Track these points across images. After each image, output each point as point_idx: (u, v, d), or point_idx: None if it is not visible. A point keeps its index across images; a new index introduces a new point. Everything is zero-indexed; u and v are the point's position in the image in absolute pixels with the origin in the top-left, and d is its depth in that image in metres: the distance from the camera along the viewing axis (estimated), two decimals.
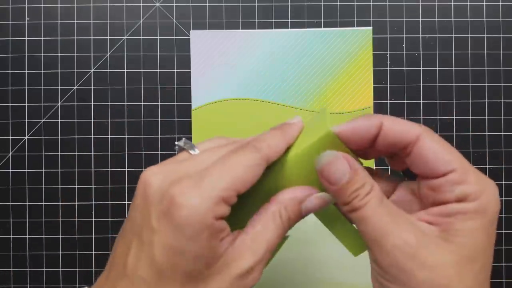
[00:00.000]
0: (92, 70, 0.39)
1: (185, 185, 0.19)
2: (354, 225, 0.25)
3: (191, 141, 0.23)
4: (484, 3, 0.39)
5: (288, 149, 0.23)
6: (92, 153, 0.39)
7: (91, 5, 0.39)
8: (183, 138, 0.24)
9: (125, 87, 0.39)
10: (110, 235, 0.39)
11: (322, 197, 0.23)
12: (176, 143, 0.23)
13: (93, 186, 0.39)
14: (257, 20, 0.39)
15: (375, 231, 0.20)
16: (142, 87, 0.39)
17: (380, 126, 0.21)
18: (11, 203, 0.39)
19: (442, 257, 0.19)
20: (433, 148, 0.20)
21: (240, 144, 0.22)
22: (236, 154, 0.21)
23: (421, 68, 0.39)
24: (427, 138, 0.20)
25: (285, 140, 0.23)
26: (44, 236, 0.37)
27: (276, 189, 0.23)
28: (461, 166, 0.20)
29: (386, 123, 0.21)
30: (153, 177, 0.20)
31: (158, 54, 0.39)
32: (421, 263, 0.19)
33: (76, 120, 0.39)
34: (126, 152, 0.39)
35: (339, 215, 0.25)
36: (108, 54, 0.39)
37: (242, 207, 0.22)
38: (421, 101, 0.39)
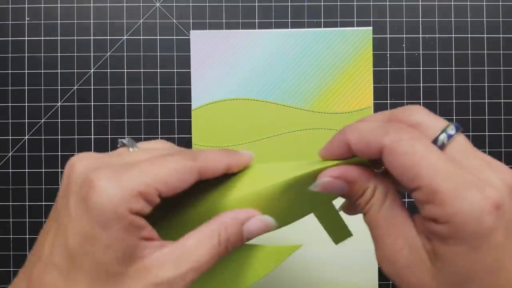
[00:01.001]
0: (92, 70, 0.39)
1: (105, 172, 0.19)
2: (340, 213, 0.26)
3: (135, 141, 0.23)
4: (484, 3, 0.39)
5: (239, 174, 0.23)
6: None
7: (91, 5, 0.39)
8: (128, 137, 0.23)
9: (125, 87, 0.39)
10: None
11: (264, 220, 0.22)
12: (119, 139, 0.23)
13: None
14: (257, 20, 0.39)
15: (373, 236, 0.20)
16: (142, 87, 0.39)
17: (347, 144, 0.20)
18: (11, 203, 0.39)
19: (423, 281, 0.18)
20: (396, 162, 0.18)
21: (179, 151, 0.22)
22: (168, 156, 0.20)
23: (421, 68, 0.39)
24: (391, 151, 0.18)
25: (227, 161, 0.22)
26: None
27: (218, 209, 0.22)
28: (428, 183, 0.17)
29: (351, 139, 0.20)
30: (79, 162, 0.20)
31: (158, 54, 0.39)
32: (404, 283, 0.19)
33: (76, 120, 0.39)
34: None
35: (327, 202, 0.25)
36: (108, 54, 0.39)
37: (180, 220, 0.22)
38: (421, 101, 0.39)
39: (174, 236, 0.21)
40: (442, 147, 0.19)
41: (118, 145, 0.23)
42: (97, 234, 0.18)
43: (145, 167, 0.19)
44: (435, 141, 0.19)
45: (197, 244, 0.20)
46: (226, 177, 0.23)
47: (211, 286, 0.23)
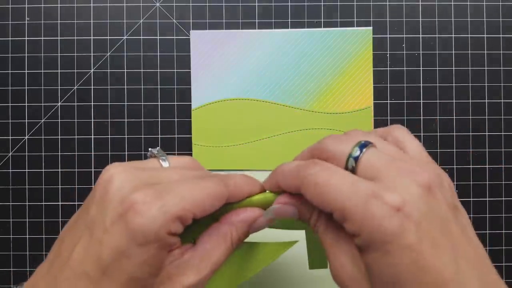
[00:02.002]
0: (92, 70, 0.39)
1: (147, 194, 0.20)
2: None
3: (165, 153, 0.24)
4: (484, 3, 0.39)
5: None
6: (92, 153, 0.39)
7: (91, 5, 0.39)
8: (159, 148, 0.24)
9: (125, 87, 0.39)
10: None
11: (268, 218, 0.24)
12: (150, 149, 0.24)
13: (93, 186, 0.39)
14: (257, 20, 0.39)
15: (325, 253, 0.22)
16: (142, 87, 0.39)
17: (277, 184, 0.23)
18: (11, 203, 0.39)
19: None
20: (310, 194, 0.20)
21: (209, 174, 0.23)
22: (203, 180, 0.22)
23: (421, 68, 0.39)
24: (304, 186, 0.20)
25: (250, 188, 0.24)
26: (44, 236, 0.37)
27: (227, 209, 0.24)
28: (337, 205, 0.19)
29: (279, 180, 0.23)
30: (117, 175, 0.21)
31: (158, 54, 0.39)
32: None
33: (76, 120, 0.39)
34: (126, 152, 0.39)
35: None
36: (108, 54, 0.39)
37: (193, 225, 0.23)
38: (421, 101, 0.39)
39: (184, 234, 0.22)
40: (354, 169, 0.20)
41: (148, 154, 0.23)
42: (135, 253, 0.19)
43: (183, 191, 0.20)
44: (346, 168, 0.21)
45: (214, 247, 0.22)
46: None
47: (211, 281, 0.25)
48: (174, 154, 0.39)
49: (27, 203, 0.39)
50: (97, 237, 0.19)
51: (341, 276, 0.20)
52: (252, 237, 0.25)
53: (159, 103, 0.39)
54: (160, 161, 0.23)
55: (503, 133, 0.39)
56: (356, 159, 0.20)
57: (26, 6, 0.39)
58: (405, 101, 0.39)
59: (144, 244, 0.19)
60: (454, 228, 0.19)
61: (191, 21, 0.39)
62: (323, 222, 0.22)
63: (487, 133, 0.39)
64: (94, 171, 0.39)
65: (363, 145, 0.21)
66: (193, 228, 0.22)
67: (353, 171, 0.20)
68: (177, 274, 0.20)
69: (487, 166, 0.39)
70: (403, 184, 0.18)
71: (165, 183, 0.21)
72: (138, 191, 0.20)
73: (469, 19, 0.39)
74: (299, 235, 0.27)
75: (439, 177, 0.20)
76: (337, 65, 0.39)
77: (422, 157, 0.21)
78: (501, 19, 0.39)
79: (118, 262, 0.19)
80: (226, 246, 0.22)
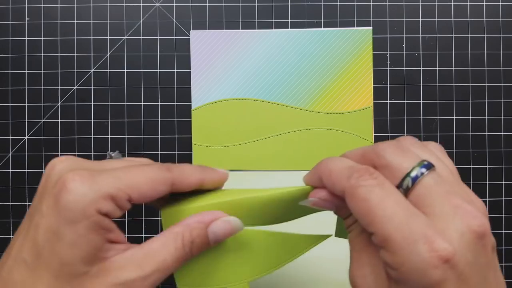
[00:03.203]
0: (92, 70, 0.39)
1: (79, 173, 0.19)
2: None
3: (124, 156, 0.24)
4: (484, 3, 0.39)
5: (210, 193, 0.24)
6: (92, 153, 0.39)
7: (91, 5, 0.39)
8: (117, 152, 0.24)
9: (125, 87, 0.39)
10: None
11: (229, 221, 0.22)
12: (108, 152, 0.24)
13: None
14: (257, 20, 0.39)
15: (350, 254, 0.21)
16: (142, 87, 0.39)
17: (320, 179, 0.22)
18: (11, 203, 0.39)
19: None
20: (354, 207, 0.19)
21: (158, 163, 0.23)
22: (144, 166, 0.21)
23: (421, 68, 0.39)
24: (351, 196, 0.19)
25: (200, 176, 0.23)
26: None
27: (185, 214, 0.23)
28: (381, 231, 0.18)
29: (323, 177, 0.21)
30: (58, 163, 0.21)
31: (158, 54, 0.39)
32: None
33: (76, 120, 0.39)
34: (126, 152, 0.39)
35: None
36: (108, 54, 0.39)
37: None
38: (421, 101, 0.39)
39: None
40: (406, 191, 0.19)
41: (107, 158, 0.23)
42: (63, 231, 0.19)
43: (119, 173, 0.20)
44: (400, 185, 0.19)
45: (161, 246, 0.21)
46: (200, 192, 0.24)
47: (233, 270, 0.24)
48: (174, 154, 0.39)
49: (27, 203, 0.39)
50: (35, 222, 0.19)
51: (360, 284, 0.20)
52: (284, 228, 0.24)
53: (159, 103, 0.39)
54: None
55: (503, 133, 0.39)
56: (415, 180, 0.19)
57: (26, 6, 0.39)
58: (405, 101, 0.39)
59: (72, 222, 0.19)
60: (491, 274, 0.18)
61: (191, 21, 0.39)
62: (358, 229, 0.21)
63: (487, 133, 0.39)
64: None
65: (426, 166, 0.19)
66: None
67: (406, 191, 0.19)
68: (115, 267, 0.20)
69: (487, 166, 0.39)
70: (457, 228, 0.17)
71: (104, 168, 0.21)
72: (71, 171, 0.19)
73: (469, 19, 0.39)
74: (332, 229, 0.27)
75: (488, 218, 0.19)
76: (337, 65, 0.39)
77: (456, 179, 0.20)
78: (501, 19, 0.39)
79: (51, 244, 0.19)
80: (175, 246, 0.21)
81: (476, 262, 0.17)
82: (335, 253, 0.37)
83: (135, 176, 0.20)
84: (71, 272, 0.19)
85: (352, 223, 0.21)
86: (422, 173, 0.19)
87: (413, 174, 0.19)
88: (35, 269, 0.19)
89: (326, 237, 0.26)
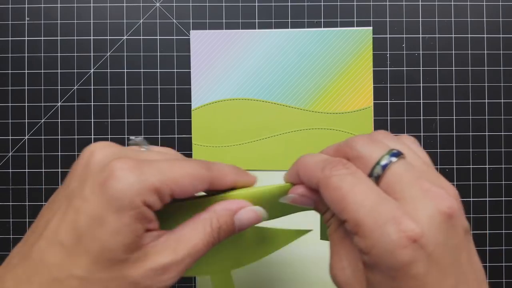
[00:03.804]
0: (92, 70, 0.39)
1: (127, 162, 0.20)
2: None
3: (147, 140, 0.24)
4: (484, 3, 0.39)
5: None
6: None
7: (91, 5, 0.39)
8: (141, 137, 0.24)
9: (125, 87, 0.39)
10: None
11: (255, 210, 0.23)
12: (131, 137, 0.24)
13: None
14: (257, 20, 0.39)
15: (330, 248, 0.22)
16: (142, 87, 0.39)
17: (298, 175, 0.22)
18: (11, 203, 0.39)
19: None
20: (327, 196, 0.20)
21: (193, 159, 0.23)
22: (186, 161, 0.22)
23: (421, 68, 0.39)
24: (323, 186, 0.20)
25: (236, 177, 0.24)
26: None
27: (212, 202, 0.24)
28: (352, 217, 0.19)
29: (299, 172, 0.22)
30: (99, 150, 0.21)
31: (158, 54, 0.39)
32: None
33: (76, 120, 0.39)
34: None
35: None
36: (108, 54, 0.39)
37: (180, 214, 0.23)
38: (421, 101, 0.39)
39: (173, 228, 0.22)
40: (377, 178, 0.20)
41: (130, 142, 0.23)
42: (108, 218, 0.19)
43: (163, 166, 0.20)
44: (371, 174, 0.20)
45: (192, 232, 0.21)
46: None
47: (217, 260, 0.25)
48: None
49: (27, 203, 0.39)
50: (75, 206, 0.19)
51: (340, 278, 0.20)
52: (266, 223, 0.25)
53: (159, 103, 0.39)
54: (141, 148, 0.23)
55: (503, 133, 0.39)
56: (384, 167, 0.20)
57: (26, 6, 0.39)
58: (405, 101, 0.39)
59: (119, 211, 0.19)
60: (463, 256, 0.19)
61: (191, 21, 0.39)
62: (336, 222, 0.21)
63: (487, 133, 0.39)
64: None
65: (395, 154, 0.20)
66: (179, 218, 0.22)
67: (377, 178, 0.20)
68: (152, 253, 0.20)
69: (487, 166, 0.39)
70: (426, 210, 0.18)
71: (145, 159, 0.21)
72: (118, 160, 0.20)
73: (469, 19, 0.39)
74: (314, 223, 0.27)
75: (460, 202, 0.19)
76: (337, 65, 0.39)
77: (428, 168, 0.21)
78: (501, 19, 0.39)
79: (93, 229, 0.19)
80: (205, 232, 0.21)
81: (446, 243, 0.18)
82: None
83: (178, 170, 0.21)
84: (111, 258, 0.19)
85: (330, 217, 0.22)
86: (391, 161, 0.20)
87: (382, 162, 0.20)
88: (73, 253, 0.19)
89: (306, 231, 0.27)
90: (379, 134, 0.22)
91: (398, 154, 0.20)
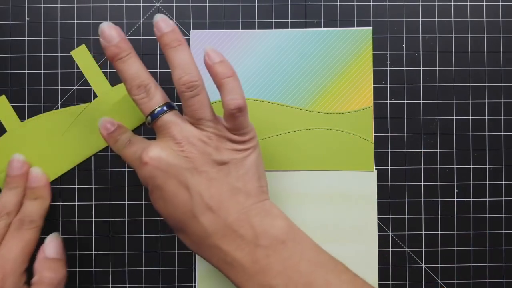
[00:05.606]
0: None
1: None
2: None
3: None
4: (484, 3, 0.39)
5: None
6: None
7: (91, 5, 0.39)
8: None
9: None
10: (110, 235, 0.39)
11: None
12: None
13: (93, 186, 0.39)
14: (257, 20, 0.39)
15: None
16: None
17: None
18: None
19: None
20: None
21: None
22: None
23: (421, 68, 0.39)
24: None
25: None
26: (44, 236, 0.37)
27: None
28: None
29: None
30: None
31: (158, 54, 0.39)
32: None
33: None
34: None
35: None
36: None
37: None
38: (421, 101, 0.39)
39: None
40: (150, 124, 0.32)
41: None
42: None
43: None
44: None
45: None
46: None
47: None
48: None
49: None
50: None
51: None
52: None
53: None
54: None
55: (503, 133, 0.39)
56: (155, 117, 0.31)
57: (26, 6, 0.39)
58: (405, 101, 0.39)
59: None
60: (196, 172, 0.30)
61: (191, 21, 0.39)
62: (123, 142, 0.35)
63: (487, 133, 0.39)
64: (94, 171, 0.39)
65: (169, 106, 0.32)
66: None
67: (149, 124, 0.32)
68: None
69: (487, 166, 0.39)
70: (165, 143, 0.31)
71: None
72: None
73: (469, 19, 0.39)
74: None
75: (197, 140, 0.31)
76: (337, 65, 0.39)
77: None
78: (501, 19, 0.39)
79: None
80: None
81: (177, 162, 0.30)
82: (335, 255, 0.37)
83: None
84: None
85: (118, 141, 0.36)
86: (161, 113, 0.32)
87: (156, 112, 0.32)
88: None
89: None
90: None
91: (170, 107, 0.32)
